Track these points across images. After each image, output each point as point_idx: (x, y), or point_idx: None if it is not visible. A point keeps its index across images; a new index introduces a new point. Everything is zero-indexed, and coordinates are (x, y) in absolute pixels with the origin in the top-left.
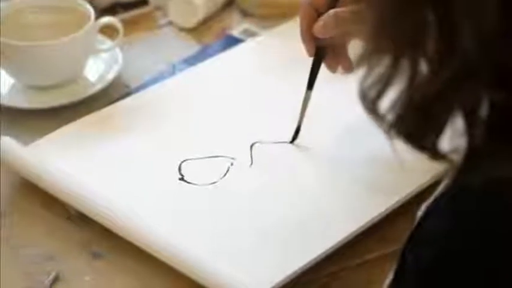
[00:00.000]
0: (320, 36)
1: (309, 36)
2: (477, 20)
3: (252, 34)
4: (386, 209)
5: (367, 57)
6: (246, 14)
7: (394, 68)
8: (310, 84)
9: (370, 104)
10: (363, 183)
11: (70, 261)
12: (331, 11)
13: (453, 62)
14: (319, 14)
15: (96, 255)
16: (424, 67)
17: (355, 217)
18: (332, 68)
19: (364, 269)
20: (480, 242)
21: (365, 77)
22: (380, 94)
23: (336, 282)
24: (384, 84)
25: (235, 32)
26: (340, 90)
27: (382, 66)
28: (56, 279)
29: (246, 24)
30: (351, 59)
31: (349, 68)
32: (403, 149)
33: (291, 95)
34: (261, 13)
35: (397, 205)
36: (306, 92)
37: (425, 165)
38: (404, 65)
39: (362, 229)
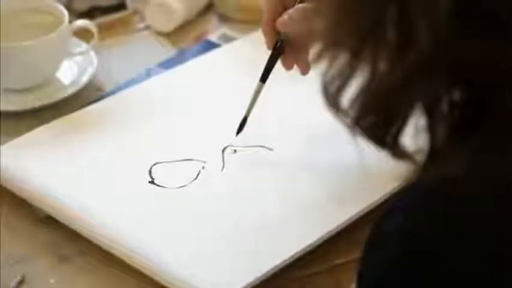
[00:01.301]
0: (283, 30)
1: (270, 28)
2: (431, 16)
3: (229, 39)
4: (355, 214)
5: (327, 51)
6: (224, 18)
7: (354, 61)
8: (264, 77)
9: (332, 98)
10: (332, 189)
11: (36, 264)
12: (300, 5)
13: (410, 57)
14: (285, 8)
15: (62, 258)
16: (384, 61)
17: (324, 222)
18: (287, 66)
19: (333, 274)
20: (431, 242)
21: (326, 72)
22: (341, 88)
23: (307, 286)
24: (345, 78)
25: (213, 37)
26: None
27: (342, 60)
28: (21, 282)
29: (224, 29)
30: (308, 61)
31: (305, 70)
32: (373, 154)
33: (264, 100)
34: (240, 18)
35: (366, 210)
36: (258, 84)
37: (395, 170)
38: (365, 59)
39: (331, 234)
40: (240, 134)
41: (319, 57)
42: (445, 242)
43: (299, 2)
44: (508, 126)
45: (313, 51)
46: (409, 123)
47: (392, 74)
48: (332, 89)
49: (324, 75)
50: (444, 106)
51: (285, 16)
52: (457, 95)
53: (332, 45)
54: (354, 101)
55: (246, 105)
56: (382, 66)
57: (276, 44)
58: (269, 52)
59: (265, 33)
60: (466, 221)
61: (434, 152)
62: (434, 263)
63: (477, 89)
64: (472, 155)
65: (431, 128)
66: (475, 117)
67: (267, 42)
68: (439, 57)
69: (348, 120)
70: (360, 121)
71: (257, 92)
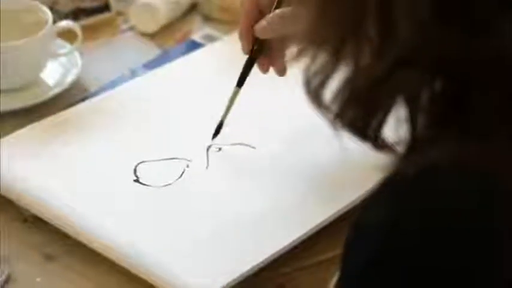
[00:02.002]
0: (261, 36)
1: (247, 33)
2: (412, 8)
3: (213, 39)
4: (338, 211)
5: (309, 45)
6: (207, 19)
7: (336, 57)
8: (240, 82)
9: (314, 93)
10: (315, 186)
11: (23, 263)
12: (278, 11)
13: (391, 49)
14: (262, 14)
15: (49, 257)
16: (365, 56)
17: (307, 218)
18: (263, 69)
19: (318, 270)
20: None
21: (308, 67)
22: (323, 83)
23: (291, 283)
24: (327, 73)
25: (197, 37)
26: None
27: (324, 56)
28: (7, 281)
29: (208, 29)
30: (285, 64)
31: (281, 72)
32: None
33: (248, 99)
34: (223, 18)
35: (349, 207)
36: (235, 89)
37: (378, 165)
38: (347, 54)
39: (314, 230)
40: (224, 132)
41: (301, 53)
42: (424, 238)
43: (276, 8)
44: (487, 117)
45: (290, 53)
46: (391, 116)
47: (374, 68)
48: (314, 84)
49: (306, 70)
50: (425, 98)
51: (263, 22)
52: (437, 87)
53: (314, 42)
54: (336, 96)
55: (223, 110)
56: (364, 61)
57: (253, 48)
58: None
59: (242, 38)
60: (445, 216)
61: (414, 143)
62: (414, 258)
63: (457, 81)
64: (452, 145)
65: (412, 119)
66: (455, 108)
67: (244, 47)
68: (420, 51)
69: (330, 115)
70: (342, 115)
71: (234, 97)
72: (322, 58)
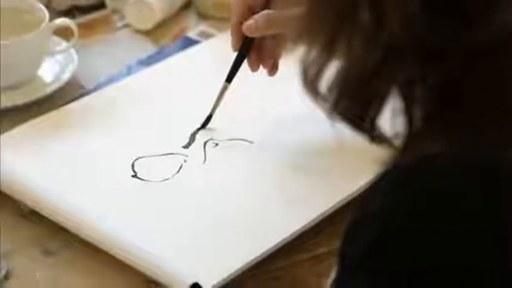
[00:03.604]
0: (248, 34)
1: (237, 30)
2: (403, 1)
3: (208, 36)
4: (337, 203)
5: (304, 35)
6: (202, 16)
7: (330, 47)
8: (229, 77)
9: (310, 84)
10: (313, 179)
11: (22, 258)
12: (265, 12)
13: (383, 41)
14: (252, 12)
15: (48, 252)
16: (359, 46)
17: (306, 212)
18: (253, 67)
19: (314, 263)
20: (411, 222)
21: (304, 57)
22: (319, 74)
23: (287, 277)
24: (322, 63)
25: (192, 34)
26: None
27: (319, 46)
28: (7, 276)
29: (203, 26)
30: (275, 63)
31: (271, 71)
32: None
33: (244, 95)
34: (218, 15)
35: (347, 200)
36: (224, 84)
37: (375, 159)
38: (341, 44)
39: (313, 223)
40: (221, 127)
41: (295, 44)
42: (426, 219)
43: (265, 7)
44: (479, 105)
45: (280, 53)
46: (387, 108)
47: (367, 58)
48: (310, 74)
49: (302, 61)
50: (419, 89)
51: (251, 21)
52: (430, 78)
53: (308, 32)
54: (331, 86)
55: (212, 103)
56: (357, 50)
57: (242, 46)
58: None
59: (233, 35)
60: (444, 198)
61: (411, 136)
62: (417, 239)
63: (449, 72)
64: (447, 133)
65: (408, 110)
66: (449, 98)
67: (234, 45)
68: (411, 41)
69: (327, 106)
70: (338, 106)
71: (222, 92)
72: (316, 49)
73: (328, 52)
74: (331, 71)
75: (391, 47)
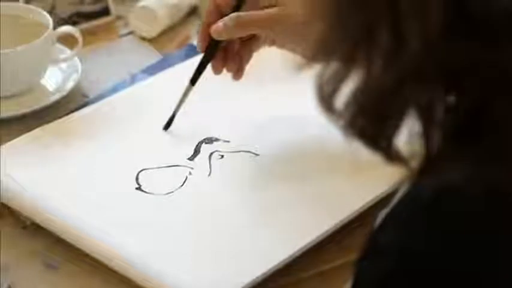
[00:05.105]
0: (215, 37)
1: (205, 31)
2: (422, 20)
3: None
4: (343, 219)
5: (322, 53)
6: None
7: (348, 65)
8: (194, 80)
9: (326, 101)
10: (321, 194)
11: (23, 271)
12: (233, 15)
13: (402, 61)
14: (222, 13)
15: (49, 266)
16: (377, 65)
17: (312, 227)
18: (216, 69)
19: (320, 280)
20: (428, 262)
21: (321, 73)
22: (335, 91)
23: None
24: (339, 80)
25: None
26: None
27: (336, 64)
28: None
29: None
30: (241, 67)
31: (235, 75)
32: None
33: (251, 104)
34: None
35: (354, 215)
36: (187, 86)
37: (384, 173)
38: (358, 62)
39: (319, 239)
40: (226, 139)
41: (313, 61)
42: (444, 260)
43: (234, 11)
44: (507, 134)
45: (248, 57)
46: (404, 128)
47: (385, 77)
48: (326, 91)
49: (318, 77)
50: (439, 112)
51: (219, 23)
52: (451, 101)
53: (326, 50)
54: (348, 104)
55: (175, 104)
56: (376, 69)
57: (208, 47)
58: (253, 59)
59: (200, 38)
60: (468, 238)
61: (430, 160)
62: (433, 280)
63: (472, 94)
64: (475, 164)
65: (426, 134)
66: (472, 124)
67: (200, 46)
68: (431, 61)
69: (342, 123)
70: (354, 123)
71: (186, 93)
72: (334, 65)
73: (345, 70)
74: (348, 87)
75: (410, 68)
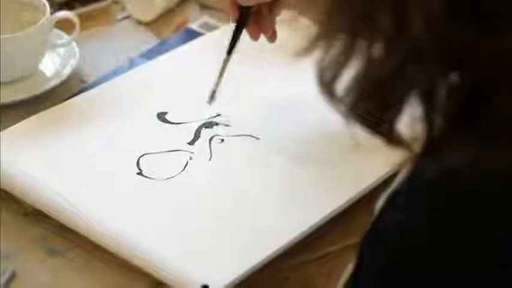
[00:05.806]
0: (242, 3)
1: (232, 3)
2: (425, 4)
3: (211, 27)
4: (346, 202)
5: (322, 37)
6: (204, 7)
7: (349, 49)
8: (230, 50)
9: (327, 86)
10: (323, 177)
11: (26, 258)
12: None
13: (404, 44)
14: None
15: (52, 252)
16: (378, 48)
17: (315, 210)
18: (253, 36)
19: (324, 262)
20: (431, 239)
21: (322, 58)
22: (336, 76)
23: (297, 276)
24: (340, 65)
25: (194, 26)
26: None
27: (337, 48)
28: (12, 278)
29: (205, 18)
30: (274, 29)
31: (271, 38)
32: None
33: (250, 88)
34: (220, 6)
35: (357, 197)
36: (225, 57)
37: (385, 156)
38: (360, 46)
39: (322, 222)
40: (226, 123)
41: (313, 45)
42: (446, 238)
43: None
44: (506, 115)
45: (279, 19)
46: (405, 112)
47: (387, 60)
48: (327, 76)
49: (319, 62)
50: (441, 95)
51: None
52: (452, 85)
53: (327, 34)
54: (349, 88)
55: (215, 79)
56: (377, 53)
57: (240, 16)
58: (252, 44)
59: (228, 8)
60: (470, 216)
61: (432, 142)
62: (436, 258)
63: (471, 78)
64: (476, 146)
65: (428, 117)
66: (474, 106)
67: (231, 16)
68: (433, 44)
69: (343, 107)
70: (355, 108)
71: (224, 65)
72: (335, 50)
73: (346, 54)
74: (348, 73)
75: (411, 50)
